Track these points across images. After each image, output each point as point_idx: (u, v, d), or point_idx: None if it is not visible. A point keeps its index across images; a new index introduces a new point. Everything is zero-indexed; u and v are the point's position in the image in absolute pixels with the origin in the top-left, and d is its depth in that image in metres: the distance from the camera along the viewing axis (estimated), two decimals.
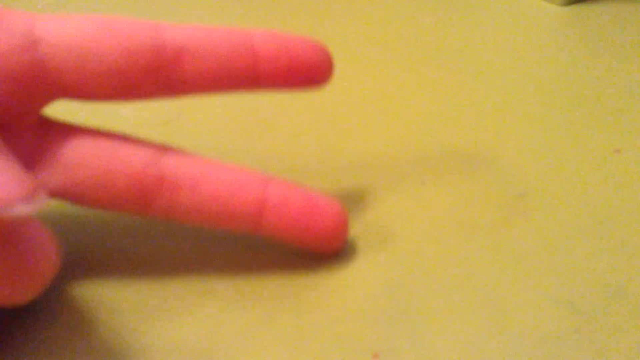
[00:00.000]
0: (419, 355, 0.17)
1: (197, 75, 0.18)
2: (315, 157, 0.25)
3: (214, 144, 0.25)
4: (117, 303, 0.18)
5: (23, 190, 0.13)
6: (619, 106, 0.29)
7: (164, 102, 0.27)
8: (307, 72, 0.18)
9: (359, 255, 0.20)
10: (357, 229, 0.21)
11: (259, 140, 0.25)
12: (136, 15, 0.35)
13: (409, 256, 0.20)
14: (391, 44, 0.33)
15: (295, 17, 0.36)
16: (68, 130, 0.18)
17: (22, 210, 0.13)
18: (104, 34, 0.17)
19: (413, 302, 0.19)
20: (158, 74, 0.17)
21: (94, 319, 0.18)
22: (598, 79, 0.31)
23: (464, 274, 0.20)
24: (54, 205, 0.21)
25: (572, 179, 0.24)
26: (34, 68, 0.16)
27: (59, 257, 0.15)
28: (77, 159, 0.17)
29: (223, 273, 0.19)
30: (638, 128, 0.27)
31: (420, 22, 0.36)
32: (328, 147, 0.25)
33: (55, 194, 0.17)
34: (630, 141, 0.26)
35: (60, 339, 0.17)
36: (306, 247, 0.19)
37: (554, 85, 0.30)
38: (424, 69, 0.31)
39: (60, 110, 0.19)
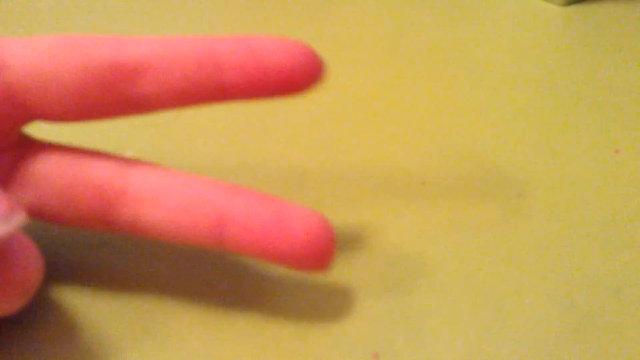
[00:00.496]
0: (419, 356, 0.17)
1: (159, 90, 0.17)
2: (314, 157, 0.25)
3: (212, 145, 0.25)
4: (116, 303, 0.18)
5: (1, 211, 0.13)
6: (619, 106, 0.29)
7: None
8: (282, 78, 0.17)
9: (359, 255, 0.20)
10: (357, 229, 0.21)
11: (256, 141, 0.25)
12: (135, 14, 0.35)
13: (409, 256, 0.20)
14: (391, 43, 0.33)
15: (295, 17, 0.36)
16: (39, 148, 0.18)
17: (1, 229, 0.13)
18: (63, 54, 0.17)
19: (413, 302, 0.19)
20: (118, 91, 0.17)
21: (89, 317, 0.18)
22: (598, 78, 0.31)
23: (464, 274, 0.20)
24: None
25: (572, 179, 0.24)
26: (3, 93, 0.16)
27: (42, 268, 0.15)
28: (43, 176, 0.17)
29: (223, 273, 0.19)
30: (638, 128, 0.27)
31: (420, 22, 0.36)
32: (327, 147, 0.25)
33: (28, 212, 0.17)
34: (630, 141, 0.26)
35: (48, 351, 0.17)
36: (283, 265, 0.17)
37: (554, 85, 0.30)
38: (423, 68, 0.31)
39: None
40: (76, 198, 0.17)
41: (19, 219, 0.14)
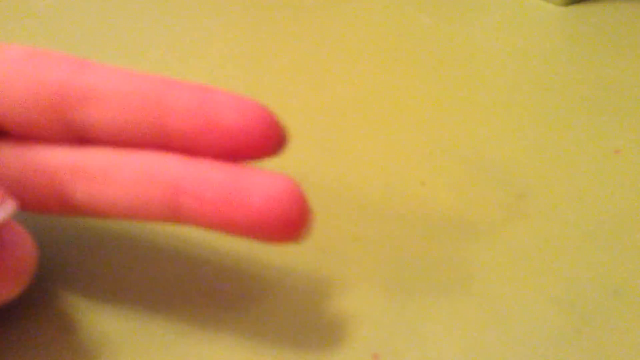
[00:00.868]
0: (419, 356, 0.17)
1: (102, 123, 0.16)
2: (314, 157, 0.25)
3: None
4: (115, 304, 0.18)
5: None
6: (619, 106, 0.29)
7: None
8: (231, 137, 0.15)
9: (359, 255, 0.20)
10: (356, 229, 0.21)
11: None
12: (135, 15, 0.35)
13: (409, 256, 0.20)
14: (391, 43, 0.33)
15: (295, 17, 0.36)
16: None
17: None
18: (17, 68, 0.16)
19: (413, 302, 0.19)
20: (61, 116, 0.16)
21: (89, 317, 0.18)
22: (598, 79, 0.31)
23: (464, 274, 0.20)
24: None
25: (572, 179, 0.24)
26: None
27: (37, 255, 0.15)
28: (6, 158, 0.17)
29: (222, 273, 0.19)
30: (638, 128, 0.27)
31: (420, 22, 0.36)
32: (327, 147, 0.25)
33: None
34: (630, 141, 0.26)
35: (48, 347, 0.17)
36: (246, 236, 0.16)
37: (554, 85, 0.30)
38: (423, 69, 0.31)
39: None
40: (29, 183, 0.17)
41: (11, 207, 0.14)
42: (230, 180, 0.15)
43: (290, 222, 0.15)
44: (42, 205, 0.17)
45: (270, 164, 0.24)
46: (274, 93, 0.29)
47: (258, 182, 0.15)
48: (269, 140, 0.16)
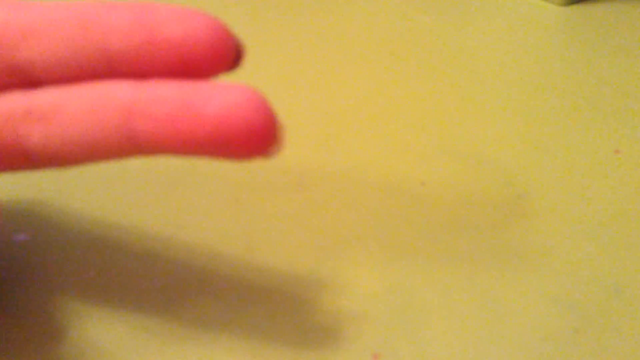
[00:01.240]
0: (419, 356, 0.17)
1: (45, 58, 0.16)
2: (314, 157, 0.25)
3: None
4: (115, 304, 0.18)
5: None
6: (619, 106, 0.29)
7: None
8: (173, 51, 0.14)
9: (359, 256, 0.20)
10: (356, 229, 0.21)
11: None
12: None
13: (409, 256, 0.20)
14: (390, 44, 0.33)
15: (295, 17, 0.36)
16: None
17: None
18: None
19: (413, 302, 0.19)
20: (4, 59, 0.16)
21: (89, 318, 0.18)
22: (598, 79, 0.31)
23: (464, 274, 0.20)
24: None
25: (572, 179, 0.24)
26: None
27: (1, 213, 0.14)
28: None
29: (223, 273, 0.19)
30: (638, 128, 0.27)
31: (420, 22, 0.36)
32: (327, 147, 0.25)
33: None
34: (630, 141, 0.26)
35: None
36: (210, 154, 0.15)
37: (554, 85, 0.30)
38: (424, 68, 0.31)
39: None
40: None
41: None
42: (182, 95, 0.14)
43: (253, 131, 0.14)
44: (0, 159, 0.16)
45: (269, 164, 0.24)
46: (274, 93, 0.29)
47: (213, 93, 0.14)
48: (218, 51, 0.14)
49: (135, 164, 0.22)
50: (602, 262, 0.20)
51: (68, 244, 0.20)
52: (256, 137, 0.14)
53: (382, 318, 0.18)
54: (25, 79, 0.16)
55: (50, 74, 0.16)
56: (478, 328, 0.18)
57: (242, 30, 0.35)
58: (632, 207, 0.23)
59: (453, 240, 0.21)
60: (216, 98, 0.14)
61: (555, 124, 0.27)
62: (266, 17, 0.36)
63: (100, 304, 0.18)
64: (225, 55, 0.15)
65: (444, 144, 0.26)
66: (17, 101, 0.16)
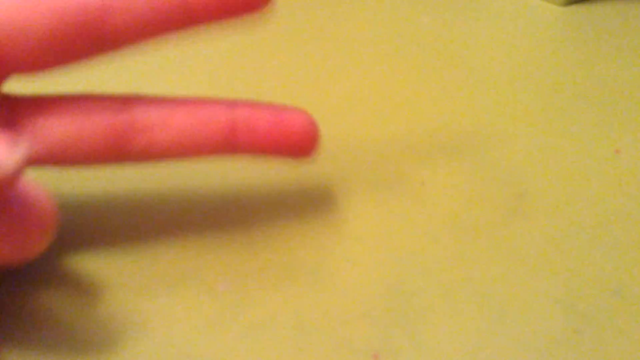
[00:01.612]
0: (419, 356, 0.17)
1: (127, 23, 0.17)
2: (314, 156, 0.25)
3: None
4: (115, 304, 0.18)
5: (2, 148, 0.14)
6: (619, 106, 0.29)
7: None
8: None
9: (359, 256, 0.20)
10: (357, 229, 0.21)
11: None
12: None
13: (409, 256, 0.20)
14: (391, 43, 0.33)
15: (295, 17, 0.36)
16: (36, 101, 0.18)
17: (7, 165, 0.13)
18: (30, 1, 0.17)
19: (413, 302, 0.19)
20: (88, 32, 0.17)
21: (89, 317, 0.18)
22: (598, 79, 0.31)
23: (464, 274, 0.20)
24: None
25: (572, 179, 0.24)
26: None
27: (55, 214, 0.16)
28: (52, 121, 0.18)
29: (223, 273, 0.19)
30: (638, 128, 0.27)
31: (420, 22, 0.36)
32: (326, 147, 0.25)
33: (36, 161, 0.18)
34: (630, 141, 0.26)
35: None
36: (282, 156, 0.20)
37: (554, 85, 0.30)
38: (423, 68, 0.31)
39: None
40: (89, 135, 0.18)
41: (26, 147, 0.14)
42: (274, 114, 0.20)
43: (314, 141, 0.20)
44: (97, 155, 0.19)
45: (269, 164, 0.24)
46: (273, 93, 0.29)
47: (292, 112, 0.20)
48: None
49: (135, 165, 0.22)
50: (602, 262, 0.20)
51: (68, 244, 0.20)
52: (313, 145, 0.20)
53: (382, 318, 0.18)
54: (113, 45, 0.18)
55: (136, 38, 0.18)
56: (478, 328, 0.18)
57: (242, 30, 0.35)
58: (632, 207, 0.23)
59: (453, 240, 0.21)
60: (297, 119, 0.20)
61: (555, 123, 0.27)
62: (266, 17, 0.36)
63: (101, 303, 0.18)
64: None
65: (444, 144, 0.26)
66: (119, 113, 0.19)
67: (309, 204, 0.22)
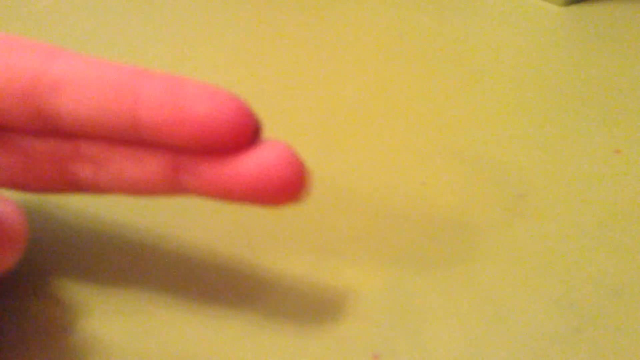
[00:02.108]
0: (419, 356, 0.17)
1: (74, 112, 0.16)
2: (314, 157, 0.25)
3: None
4: (115, 303, 0.18)
5: None
6: (619, 106, 0.29)
7: None
8: (204, 129, 0.15)
9: (359, 255, 0.20)
10: (356, 229, 0.21)
11: None
12: (133, 15, 0.35)
13: (409, 256, 0.20)
14: (390, 43, 0.33)
15: (295, 17, 0.36)
16: None
17: None
18: None
19: (413, 302, 0.19)
20: (33, 105, 0.16)
21: (89, 317, 0.18)
22: (598, 79, 0.31)
23: (464, 274, 0.20)
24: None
25: (572, 179, 0.24)
26: None
27: (26, 229, 0.15)
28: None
29: (223, 273, 0.19)
30: (638, 128, 0.27)
31: (420, 22, 0.36)
32: (327, 147, 0.25)
33: None
34: (630, 141, 0.26)
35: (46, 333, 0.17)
36: (252, 202, 0.16)
37: (553, 85, 0.30)
38: (423, 69, 0.31)
39: None
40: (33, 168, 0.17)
41: None
42: (225, 162, 0.16)
43: (287, 186, 0.16)
44: (46, 185, 0.18)
45: None
46: (274, 93, 0.29)
47: (249, 155, 0.16)
48: (240, 129, 0.16)
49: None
50: (602, 263, 0.20)
51: (67, 244, 0.20)
52: (289, 190, 0.16)
53: (382, 318, 0.18)
54: (51, 128, 0.17)
55: (76, 129, 0.16)
56: (478, 328, 0.18)
57: (242, 30, 0.35)
58: (632, 207, 0.23)
59: (453, 240, 0.21)
60: (252, 159, 0.16)
61: (555, 123, 0.27)
62: (266, 17, 0.36)
63: (101, 303, 0.18)
64: (245, 133, 0.16)
65: (444, 144, 0.26)
66: (62, 143, 0.17)
67: (308, 204, 0.22)
